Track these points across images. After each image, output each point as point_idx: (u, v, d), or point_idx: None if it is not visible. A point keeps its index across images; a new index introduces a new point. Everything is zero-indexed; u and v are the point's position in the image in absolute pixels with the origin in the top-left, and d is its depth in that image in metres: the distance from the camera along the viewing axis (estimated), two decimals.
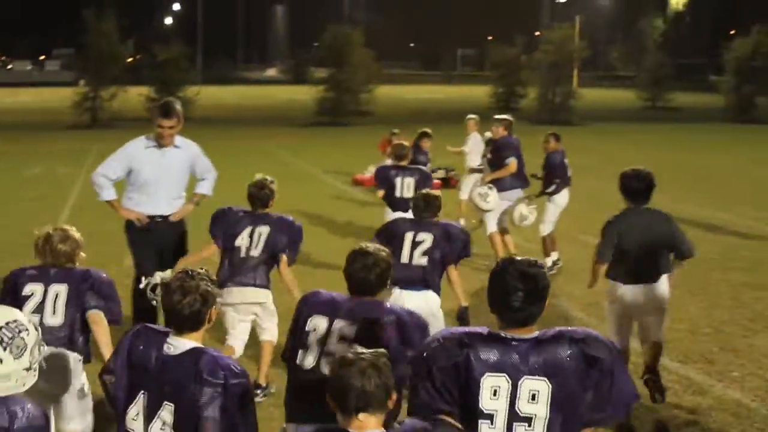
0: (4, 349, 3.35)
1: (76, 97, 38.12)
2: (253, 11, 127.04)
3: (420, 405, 3.80)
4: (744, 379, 7.94)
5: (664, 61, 56.56)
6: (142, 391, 3.99)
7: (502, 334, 3.77)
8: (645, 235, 6.87)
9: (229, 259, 7.24)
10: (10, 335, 3.36)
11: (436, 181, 15.10)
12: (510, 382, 3.68)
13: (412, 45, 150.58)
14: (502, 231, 12.18)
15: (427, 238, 7.08)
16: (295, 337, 4.86)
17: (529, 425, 3.67)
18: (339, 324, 4.72)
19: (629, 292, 6.95)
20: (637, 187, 7.03)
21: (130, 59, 49.83)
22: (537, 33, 58.47)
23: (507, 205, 11.98)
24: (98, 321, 5.67)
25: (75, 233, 5.85)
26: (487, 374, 3.69)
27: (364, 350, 3.53)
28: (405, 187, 10.47)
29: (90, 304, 5.65)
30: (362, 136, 27.69)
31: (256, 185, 7.33)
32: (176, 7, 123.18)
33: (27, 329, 3.44)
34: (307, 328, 4.76)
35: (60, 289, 5.60)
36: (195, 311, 3.96)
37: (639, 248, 6.86)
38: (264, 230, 7.16)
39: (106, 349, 5.39)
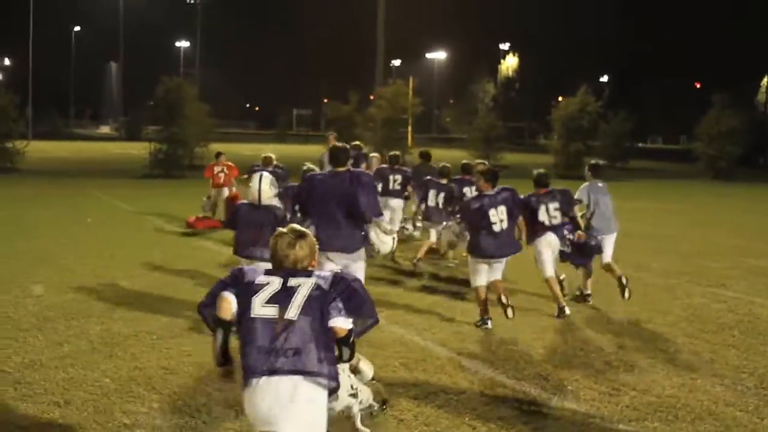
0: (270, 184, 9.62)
1: None
2: (86, 68, 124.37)
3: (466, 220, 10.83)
4: (578, 392, 7.92)
5: (495, 122, 58.19)
6: None
7: (484, 192, 10.46)
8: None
9: None
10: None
11: None
12: (496, 208, 10.19)
13: (248, 105, 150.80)
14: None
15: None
16: None
17: (503, 222, 10.18)
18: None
19: None
20: (425, 153, 17.72)
21: None
22: (371, 96, 59.05)
23: None
24: None
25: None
26: (491, 209, 10.20)
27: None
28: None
29: None
30: (195, 188, 27.06)
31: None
32: (6, 62, 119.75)
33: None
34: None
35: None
36: None
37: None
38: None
39: None
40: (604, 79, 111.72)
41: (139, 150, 41.42)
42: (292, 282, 4.83)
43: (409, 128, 49.95)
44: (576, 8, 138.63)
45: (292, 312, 4.73)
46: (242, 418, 7.00)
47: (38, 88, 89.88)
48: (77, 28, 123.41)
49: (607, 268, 11.97)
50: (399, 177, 15.89)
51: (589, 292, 12.04)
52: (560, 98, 53.50)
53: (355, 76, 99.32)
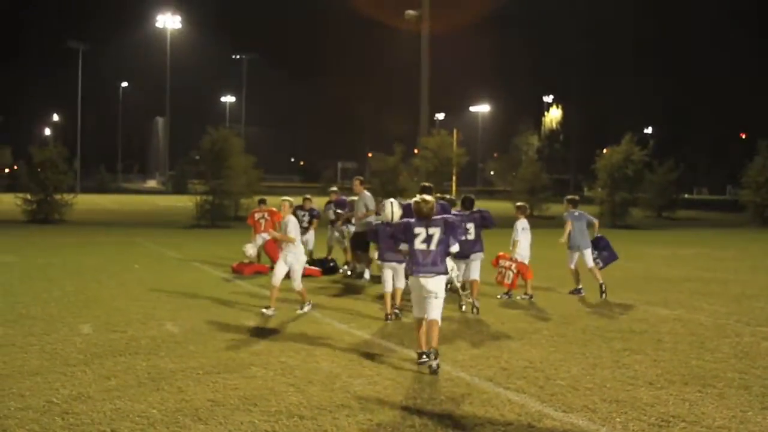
0: (398, 207, 13.15)
1: None
2: (133, 123, 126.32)
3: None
4: (627, 423, 7.81)
5: (539, 172, 57.98)
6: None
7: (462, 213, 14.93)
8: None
9: None
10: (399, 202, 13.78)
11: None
12: (465, 223, 14.49)
13: (293, 160, 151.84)
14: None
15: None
16: None
17: (468, 232, 14.64)
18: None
19: None
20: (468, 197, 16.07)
21: (7, 169, 49.54)
22: (416, 150, 59.10)
23: None
24: None
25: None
26: (465, 222, 14.53)
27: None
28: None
29: None
30: (240, 236, 27.23)
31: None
32: (55, 118, 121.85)
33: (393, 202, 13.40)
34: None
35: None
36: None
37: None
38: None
39: None
40: (648, 131, 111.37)
41: (185, 202, 41.76)
42: (431, 231, 10.11)
43: (454, 179, 49.86)
44: (620, 62, 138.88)
45: (433, 246, 10.11)
46: None
47: (86, 144, 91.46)
48: (124, 84, 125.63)
49: (591, 271, 16.61)
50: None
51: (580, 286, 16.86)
52: (605, 150, 53.20)
53: (400, 129, 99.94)
